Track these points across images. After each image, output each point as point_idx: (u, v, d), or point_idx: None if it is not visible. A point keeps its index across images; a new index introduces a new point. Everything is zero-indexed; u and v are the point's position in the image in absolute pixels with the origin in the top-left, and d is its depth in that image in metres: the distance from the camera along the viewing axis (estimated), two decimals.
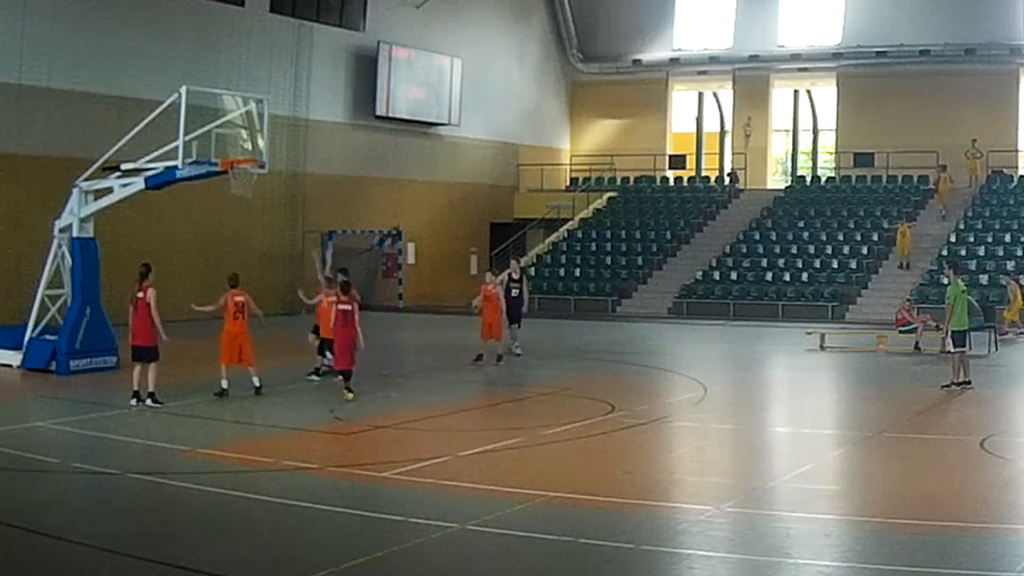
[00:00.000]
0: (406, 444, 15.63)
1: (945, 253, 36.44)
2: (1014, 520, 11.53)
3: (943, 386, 19.84)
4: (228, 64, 33.04)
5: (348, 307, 18.17)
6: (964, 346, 19.90)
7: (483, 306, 23.67)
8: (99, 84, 30.08)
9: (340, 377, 18.61)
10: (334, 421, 16.77)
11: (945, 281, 20.95)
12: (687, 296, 37.51)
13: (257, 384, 18.55)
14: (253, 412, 17.59)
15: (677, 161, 46.53)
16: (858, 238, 38.81)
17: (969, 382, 19.82)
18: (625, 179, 46.16)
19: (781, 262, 38.21)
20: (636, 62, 46.75)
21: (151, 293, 17.70)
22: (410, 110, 40.55)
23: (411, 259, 40.66)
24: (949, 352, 20.21)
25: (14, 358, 21.87)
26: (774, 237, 40.01)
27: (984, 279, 33.77)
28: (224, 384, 18.39)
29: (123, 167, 21.81)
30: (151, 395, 17.46)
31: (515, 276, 25.58)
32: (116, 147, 21.80)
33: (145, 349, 17.64)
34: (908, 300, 29.70)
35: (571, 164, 48.07)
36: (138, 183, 21.54)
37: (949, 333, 20.10)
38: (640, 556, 10.16)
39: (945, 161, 40.16)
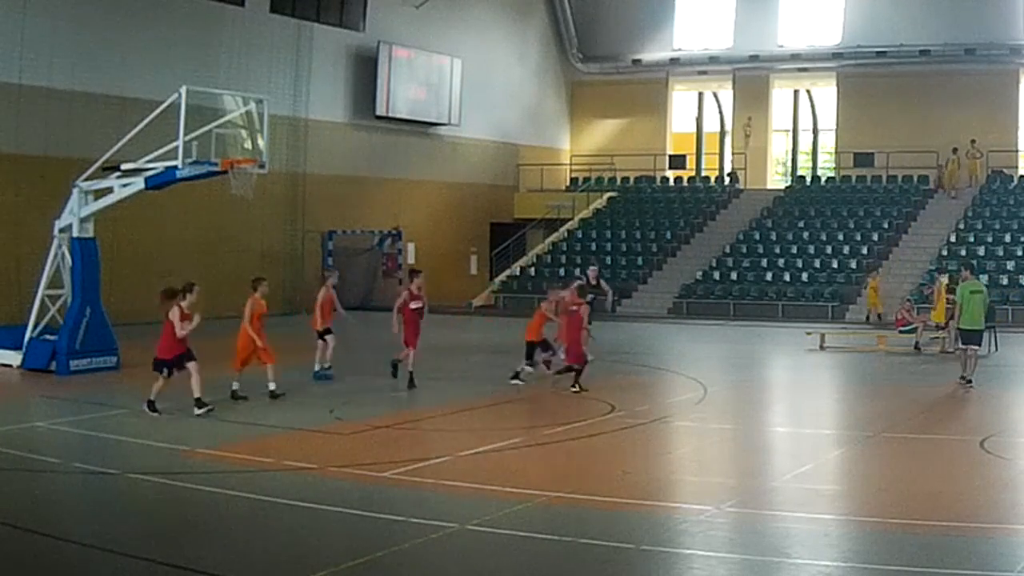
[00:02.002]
0: (406, 444, 15.63)
1: (945, 253, 36.47)
2: (1014, 520, 11.53)
3: (959, 379, 20.18)
4: (228, 64, 33.06)
5: (576, 308, 19.65)
6: (974, 344, 20.25)
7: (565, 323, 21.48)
8: (99, 84, 30.09)
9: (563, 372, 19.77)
10: (334, 421, 16.77)
11: (960, 282, 21.62)
12: (687, 296, 37.53)
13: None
14: (253, 412, 17.57)
15: (677, 161, 46.55)
16: (858, 238, 38.82)
17: (970, 381, 19.98)
18: (625, 179, 46.19)
19: (781, 262, 38.22)
20: (636, 62, 46.76)
21: (174, 311, 16.95)
22: (410, 110, 40.56)
23: (411, 259, 40.64)
24: (948, 352, 20.33)
25: (14, 358, 21.86)
26: (774, 237, 40.03)
27: (984, 279, 33.69)
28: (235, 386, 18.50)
29: (123, 167, 21.78)
30: (149, 402, 17.00)
31: (593, 282, 23.91)
32: (116, 147, 21.78)
33: (155, 360, 17.19)
34: (908, 300, 29.70)
35: (571, 164, 48.08)
36: (138, 183, 21.52)
37: (957, 331, 20.52)
38: (640, 556, 10.16)
39: (944, 160, 40.34)
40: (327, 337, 20.70)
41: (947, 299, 27.09)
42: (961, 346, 20.53)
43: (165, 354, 16.92)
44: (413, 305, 20.17)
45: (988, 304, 21.77)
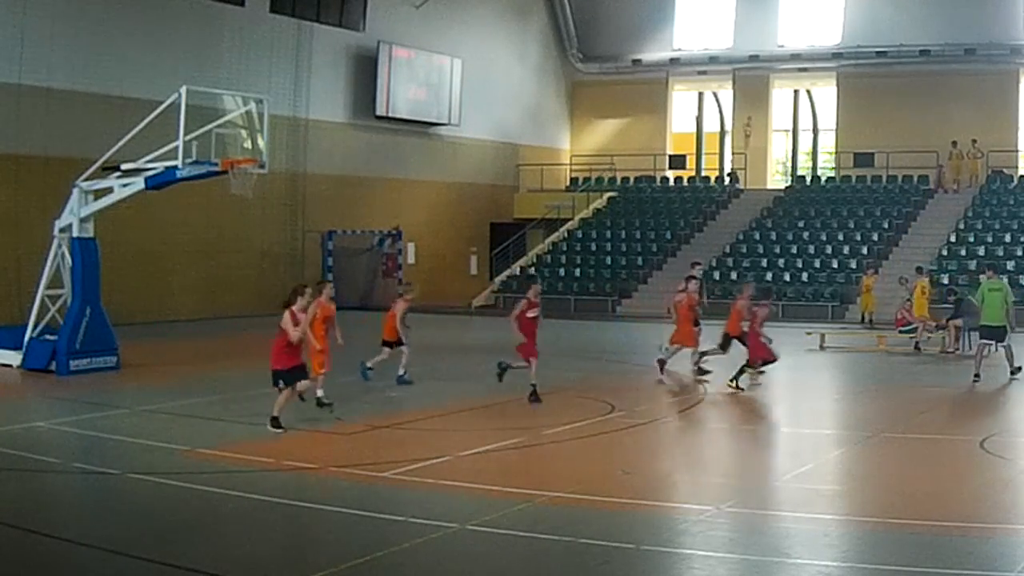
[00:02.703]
0: (406, 444, 15.62)
1: (945, 253, 36.46)
2: (1014, 520, 11.54)
3: (974, 378, 20.54)
4: (228, 64, 33.05)
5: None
6: (996, 339, 20.73)
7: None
8: (99, 84, 30.09)
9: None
10: (335, 421, 16.76)
11: (981, 281, 21.87)
12: None
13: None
14: (254, 412, 17.55)
15: (677, 161, 46.55)
16: (858, 238, 38.82)
17: (978, 376, 20.48)
18: (625, 179, 46.18)
19: (781, 262, 38.23)
20: (636, 62, 46.77)
21: (285, 318, 15.77)
22: (410, 110, 40.57)
23: (411, 259, 40.67)
24: (948, 352, 20.42)
25: (14, 358, 21.86)
26: (774, 237, 40.03)
27: (985, 279, 33.64)
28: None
29: (123, 167, 21.79)
30: (272, 419, 15.87)
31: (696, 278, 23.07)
32: (116, 147, 21.78)
33: (273, 372, 15.97)
34: (908, 300, 29.64)
35: (571, 164, 48.08)
36: (138, 183, 21.52)
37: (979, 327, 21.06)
38: (640, 556, 10.16)
39: (943, 161, 40.39)
40: (403, 348, 20.31)
41: (950, 299, 27.10)
42: (982, 341, 21.05)
43: (277, 364, 15.76)
44: (530, 314, 19.56)
45: (1011, 301, 21.81)
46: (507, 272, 41.42)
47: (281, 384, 15.72)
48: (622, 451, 15.11)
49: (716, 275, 38.21)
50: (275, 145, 27.59)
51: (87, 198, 21.84)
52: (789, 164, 47.90)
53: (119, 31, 30.99)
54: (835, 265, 37.53)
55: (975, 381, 20.54)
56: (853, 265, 37.27)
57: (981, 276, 21.63)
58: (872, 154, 41.98)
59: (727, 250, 39.82)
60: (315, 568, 9.53)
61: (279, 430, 15.54)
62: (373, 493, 12.53)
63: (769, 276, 37.46)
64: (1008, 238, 36.70)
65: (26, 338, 21.84)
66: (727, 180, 45.26)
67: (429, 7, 40.41)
